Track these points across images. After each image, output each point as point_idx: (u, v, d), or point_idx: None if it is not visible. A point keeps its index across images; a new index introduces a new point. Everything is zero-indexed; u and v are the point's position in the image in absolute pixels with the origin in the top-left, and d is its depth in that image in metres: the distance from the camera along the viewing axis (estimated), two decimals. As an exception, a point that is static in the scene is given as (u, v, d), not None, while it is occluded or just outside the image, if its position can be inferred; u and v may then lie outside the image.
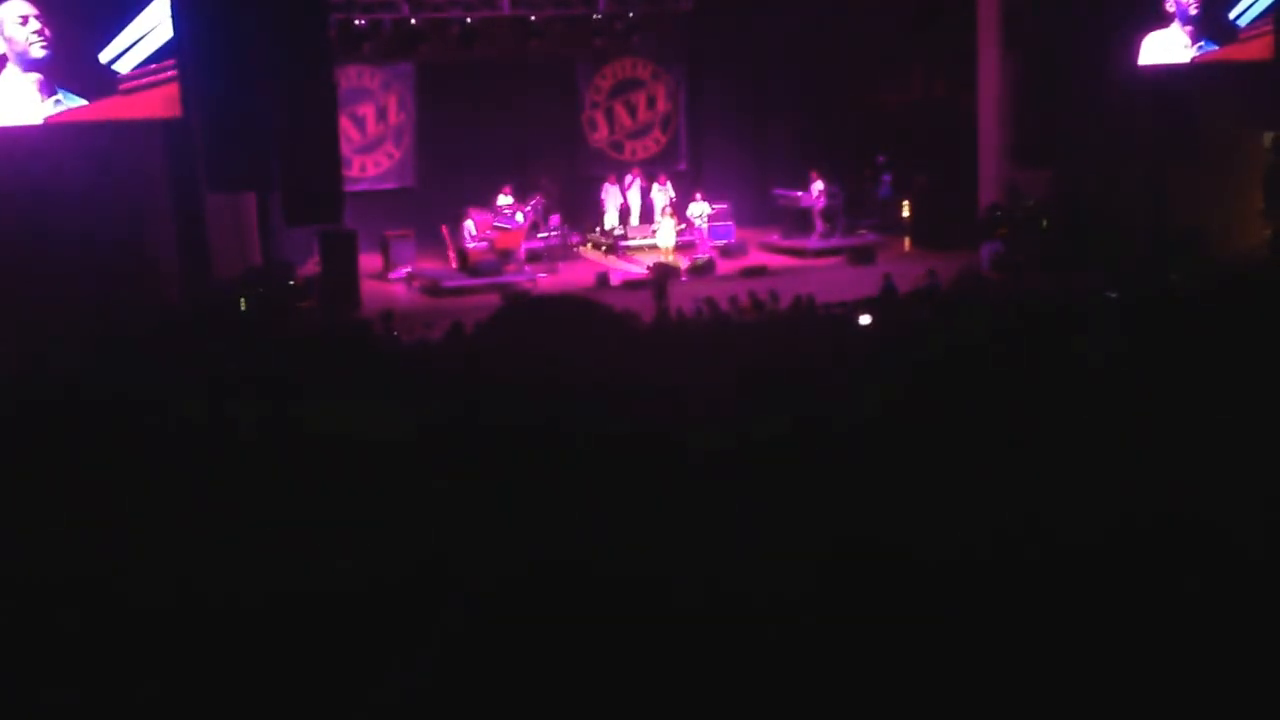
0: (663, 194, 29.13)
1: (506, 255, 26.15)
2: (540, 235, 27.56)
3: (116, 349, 14.54)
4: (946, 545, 5.89)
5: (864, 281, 23.36)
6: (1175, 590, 5.66)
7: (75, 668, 5.44)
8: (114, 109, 20.35)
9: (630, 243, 28.55)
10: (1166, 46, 24.99)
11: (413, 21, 27.53)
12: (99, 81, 20.27)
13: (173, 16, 22.94)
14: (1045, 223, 25.58)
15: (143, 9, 20.45)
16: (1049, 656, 5.21)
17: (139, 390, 10.99)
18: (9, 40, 19.70)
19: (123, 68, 20.33)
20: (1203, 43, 25.07)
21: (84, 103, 20.09)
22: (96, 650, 5.57)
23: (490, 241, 26.29)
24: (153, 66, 20.45)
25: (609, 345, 10.32)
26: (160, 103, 20.59)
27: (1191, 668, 5.12)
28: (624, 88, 31.19)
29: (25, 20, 19.76)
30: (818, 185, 28.21)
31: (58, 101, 20.00)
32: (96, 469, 8.24)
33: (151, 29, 20.44)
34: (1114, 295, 16.99)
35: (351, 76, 28.08)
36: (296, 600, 5.79)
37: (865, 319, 18.56)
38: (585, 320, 10.78)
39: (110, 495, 7.57)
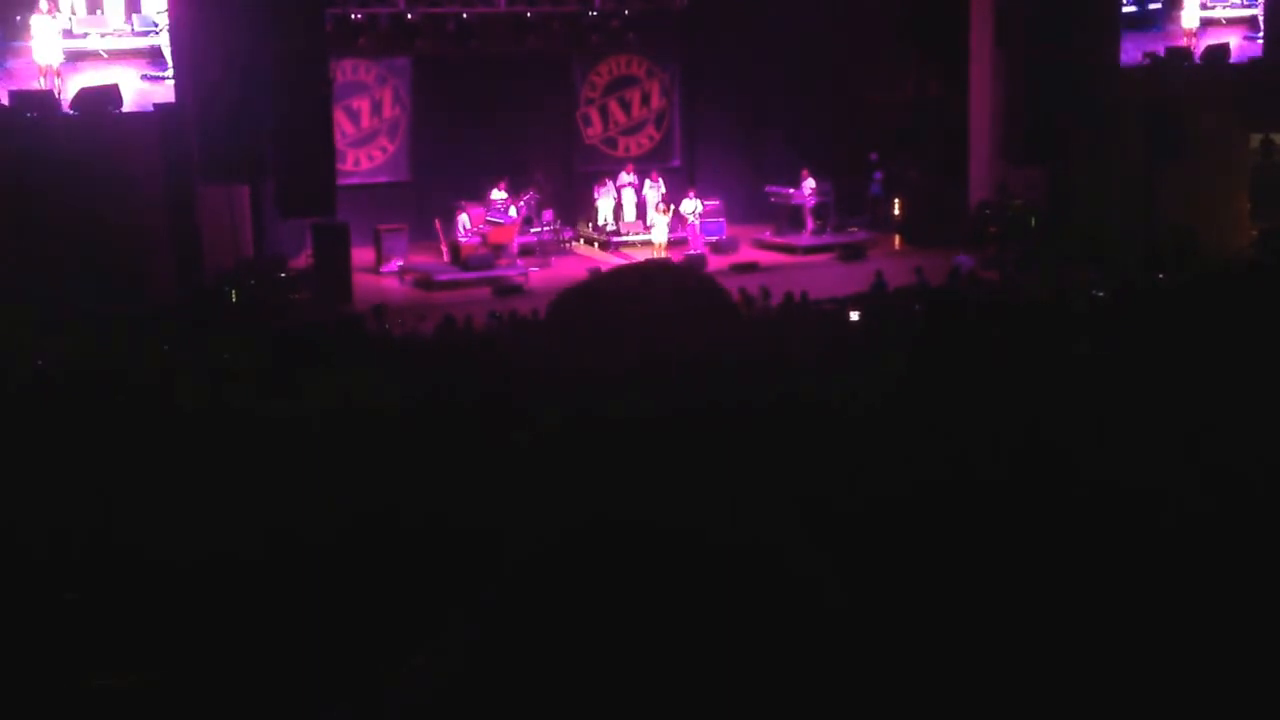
0: (655, 190, 29.21)
1: (499, 249, 26.23)
2: (533, 230, 27.64)
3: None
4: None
5: (854, 278, 23.43)
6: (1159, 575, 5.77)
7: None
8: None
9: (623, 238, 28.62)
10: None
11: (409, 16, 27.58)
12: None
13: (169, 10, 23.07)
14: (1034, 221, 25.68)
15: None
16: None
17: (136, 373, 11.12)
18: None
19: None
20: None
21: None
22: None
23: (483, 236, 26.36)
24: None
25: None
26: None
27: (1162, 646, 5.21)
28: (619, 84, 31.24)
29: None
30: (809, 183, 28.28)
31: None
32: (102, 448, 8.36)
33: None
34: (1101, 294, 17.11)
35: (347, 70, 28.10)
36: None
37: (855, 315, 18.67)
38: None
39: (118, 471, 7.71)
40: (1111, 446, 7.69)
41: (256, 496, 7.08)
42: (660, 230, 27.95)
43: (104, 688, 4.90)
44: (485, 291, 24.36)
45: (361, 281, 24.56)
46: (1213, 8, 28.98)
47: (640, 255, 27.04)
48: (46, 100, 22.19)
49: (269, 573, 5.98)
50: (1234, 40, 27.56)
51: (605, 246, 28.44)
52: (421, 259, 26.66)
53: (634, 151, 31.17)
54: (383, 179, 29.04)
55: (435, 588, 5.81)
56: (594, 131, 31.15)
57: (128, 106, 22.49)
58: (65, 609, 5.56)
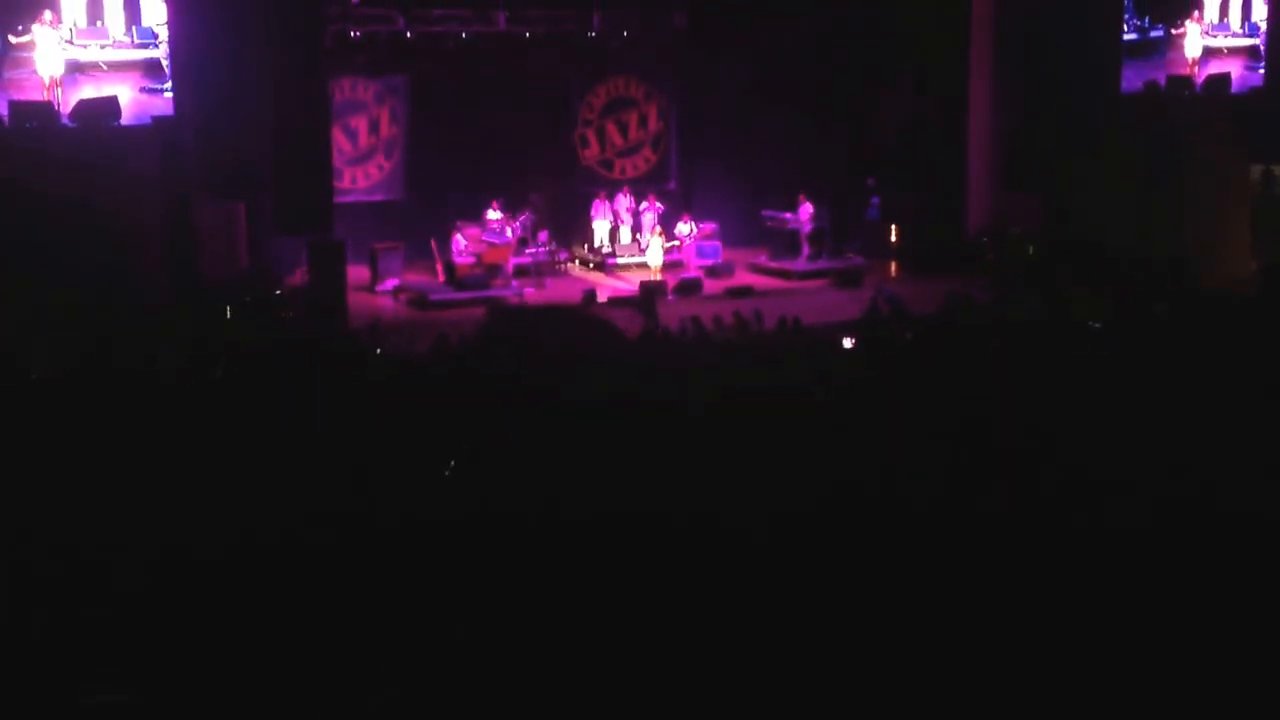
0: (650, 213, 29.19)
1: (494, 270, 26.17)
2: (528, 251, 27.58)
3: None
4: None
5: (850, 304, 23.36)
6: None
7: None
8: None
9: (619, 260, 28.59)
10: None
11: (408, 35, 27.56)
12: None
13: (168, 24, 23.05)
14: (1031, 249, 25.64)
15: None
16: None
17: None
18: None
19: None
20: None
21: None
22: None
23: (478, 256, 26.31)
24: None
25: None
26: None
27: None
28: (616, 106, 31.21)
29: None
30: (806, 208, 28.24)
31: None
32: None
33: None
34: (1098, 325, 17.04)
35: (345, 88, 28.07)
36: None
37: (848, 342, 18.57)
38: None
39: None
40: (1102, 464, 7.67)
41: (250, 500, 7.02)
42: (655, 253, 27.92)
43: (97, 705, 4.82)
44: (480, 312, 24.27)
45: (356, 300, 24.50)
46: (1214, 37, 29.05)
47: (636, 277, 27.04)
48: (46, 111, 22.13)
49: (260, 579, 5.91)
50: (1235, 70, 27.63)
51: (600, 268, 28.41)
52: (417, 278, 26.62)
53: (630, 173, 31.14)
54: (379, 197, 28.97)
55: (430, 592, 5.76)
56: (591, 153, 31.11)
57: (125, 118, 22.43)
58: (61, 624, 5.48)
